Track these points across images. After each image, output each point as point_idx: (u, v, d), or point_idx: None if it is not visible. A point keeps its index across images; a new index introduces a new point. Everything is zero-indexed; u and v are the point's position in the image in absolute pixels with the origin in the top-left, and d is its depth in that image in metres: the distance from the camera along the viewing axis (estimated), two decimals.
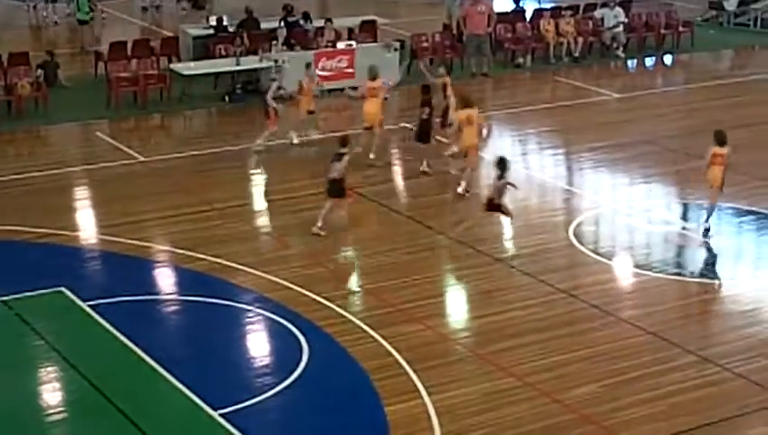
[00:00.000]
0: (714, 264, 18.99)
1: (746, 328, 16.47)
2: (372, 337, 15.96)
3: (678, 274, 18.48)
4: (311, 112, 24.16)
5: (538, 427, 13.84)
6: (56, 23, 36.58)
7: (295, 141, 24.16)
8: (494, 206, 18.98)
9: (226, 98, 27.47)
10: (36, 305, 16.82)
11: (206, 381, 14.67)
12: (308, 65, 24.81)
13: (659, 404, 14.35)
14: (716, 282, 18.29)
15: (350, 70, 28.14)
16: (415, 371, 15.02)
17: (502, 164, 18.86)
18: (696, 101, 28.54)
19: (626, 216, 20.77)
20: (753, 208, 20.91)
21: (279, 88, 24.10)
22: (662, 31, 33.54)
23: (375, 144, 23.07)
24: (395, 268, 18.31)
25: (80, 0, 32.68)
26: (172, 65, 28.30)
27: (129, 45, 28.78)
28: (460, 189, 21.22)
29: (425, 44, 30.50)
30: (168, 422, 14.05)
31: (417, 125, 22.80)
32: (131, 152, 23.89)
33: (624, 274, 18.67)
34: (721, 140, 19.40)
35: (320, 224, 19.35)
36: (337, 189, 19.32)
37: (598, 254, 18.99)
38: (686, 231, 20.08)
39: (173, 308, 17.25)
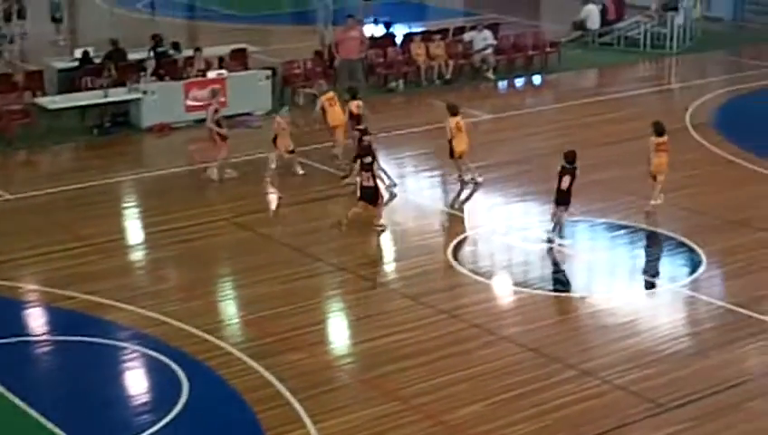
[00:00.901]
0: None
1: (624, 340, 16.65)
2: (254, 368, 15.72)
3: (556, 290, 18.63)
4: (291, 152, 23.78)
5: None
6: None
7: (212, 177, 23.69)
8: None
9: (95, 131, 26.98)
10: None
11: (81, 424, 14.32)
12: (282, 106, 24.60)
13: (545, 419, 14.41)
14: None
15: (221, 99, 27.85)
16: (299, 400, 14.83)
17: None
18: (565, 119, 28.91)
19: (503, 235, 20.87)
20: (625, 223, 21.19)
21: (216, 111, 23.61)
22: (530, 52, 33.97)
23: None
24: (275, 297, 18.11)
25: None
26: (37, 99, 27.68)
27: None
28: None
29: (296, 71, 30.40)
30: None
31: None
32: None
33: (503, 292, 18.74)
34: (659, 130, 21.42)
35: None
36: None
37: (477, 274, 19.04)
38: (563, 247, 20.24)
39: (46, 349, 16.77)
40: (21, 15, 37.42)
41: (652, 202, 21.52)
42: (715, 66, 35.85)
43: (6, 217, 21.96)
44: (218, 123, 23.61)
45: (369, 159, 21.05)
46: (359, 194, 20.98)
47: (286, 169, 23.81)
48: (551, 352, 16.20)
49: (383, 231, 20.81)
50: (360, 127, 22.93)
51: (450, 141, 23.12)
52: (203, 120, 26.69)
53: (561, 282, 19.12)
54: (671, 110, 29.94)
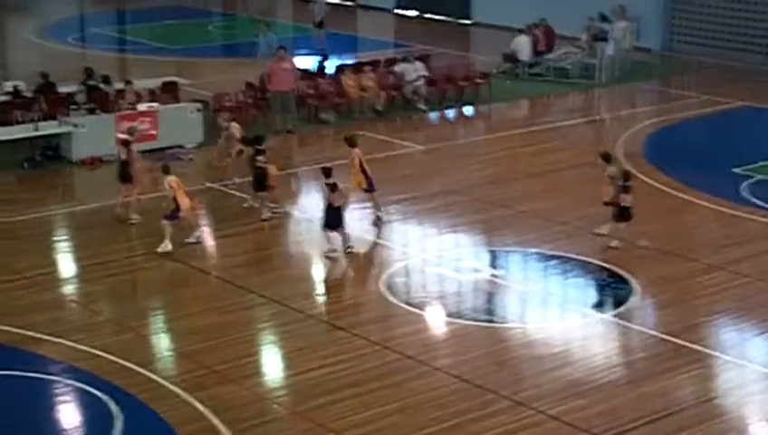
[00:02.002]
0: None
1: (557, 370, 16.76)
2: (187, 401, 15.64)
3: (489, 320, 18.71)
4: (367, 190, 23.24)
5: None
6: None
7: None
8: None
9: (25, 164, 26.72)
10: None
11: None
12: (350, 139, 23.63)
13: None
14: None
15: (152, 132, 27.77)
16: (233, 433, 14.78)
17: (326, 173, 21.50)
18: (497, 150, 29.10)
19: (435, 265, 20.94)
20: (557, 253, 21.36)
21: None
22: (461, 83, 34.17)
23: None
24: (208, 329, 18.03)
25: None
26: None
27: None
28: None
29: (227, 103, 30.33)
30: None
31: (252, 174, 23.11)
32: None
33: (436, 323, 18.80)
34: (608, 159, 22.03)
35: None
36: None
37: (409, 304, 19.08)
38: (495, 278, 20.36)
39: None
40: None
41: (602, 231, 21.74)
42: (645, 96, 36.28)
43: None
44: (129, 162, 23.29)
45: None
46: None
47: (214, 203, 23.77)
48: (484, 383, 16.26)
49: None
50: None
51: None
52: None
53: (493, 312, 19.20)
54: (601, 140, 30.26)
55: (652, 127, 31.27)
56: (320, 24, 41.02)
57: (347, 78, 32.19)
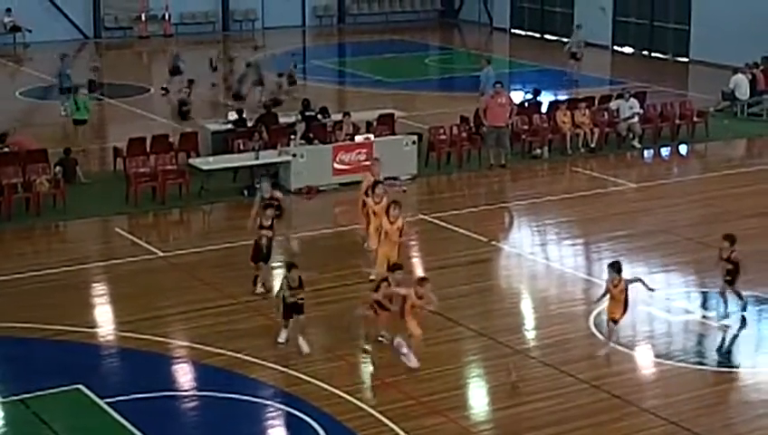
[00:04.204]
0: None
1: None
2: (394, 430, 15.87)
3: (700, 362, 18.40)
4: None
5: None
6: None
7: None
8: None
9: (245, 192, 27.53)
10: (53, 403, 16.78)
11: None
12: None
13: None
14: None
15: (368, 163, 28.26)
16: None
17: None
18: (711, 189, 28.58)
19: (646, 305, 20.69)
20: None
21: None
22: (677, 121, 33.70)
23: None
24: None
25: (77, 99, 32.09)
26: (191, 160, 28.50)
27: (149, 141, 28.96)
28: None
29: (442, 136, 30.67)
30: None
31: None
32: (150, 247, 23.92)
33: (645, 363, 18.58)
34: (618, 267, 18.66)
35: None
36: None
37: (619, 344, 18.90)
38: (706, 320, 20.02)
39: (191, 404, 17.16)
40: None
41: None
42: None
43: (158, 274, 22.55)
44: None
45: None
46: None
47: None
48: (692, 426, 16.01)
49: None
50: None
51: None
52: (349, 184, 27.08)
53: (704, 355, 18.87)
54: None
55: None
56: (574, 56, 41.84)
57: (561, 114, 32.15)
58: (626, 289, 18.43)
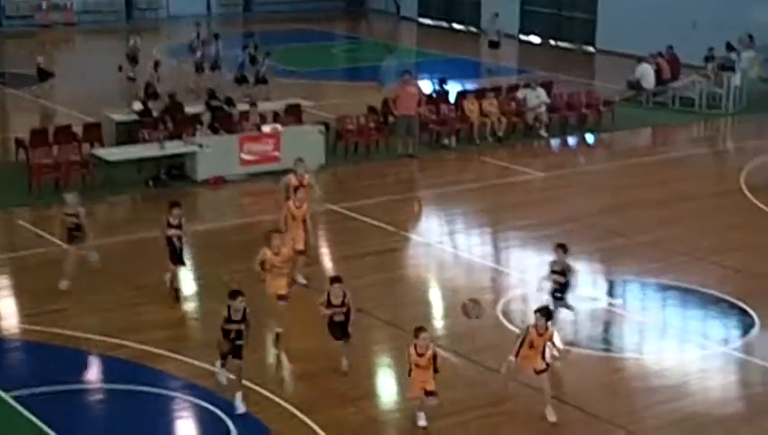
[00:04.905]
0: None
1: (672, 402, 16.66)
2: (304, 421, 15.82)
3: (605, 349, 18.56)
4: None
5: None
6: None
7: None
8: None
9: (150, 183, 27.22)
10: None
11: None
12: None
13: None
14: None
15: (275, 153, 28.13)
16: None
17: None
18: (618, 178, 28.88)
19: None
20: (677, 284, 21.10)
21: None
22: (584, 110, 33.98)
23: None
24: (324, 352, 18.10)
25: None
26: (95, 151, 28.03)
27: (51, 131, 28.46)
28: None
29: (350, 126, 30.56)
30: None
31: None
32: (53, 239, 23.48)
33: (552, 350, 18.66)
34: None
35: None
36: None
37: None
38: (612, 307, 20.20)
39: (96, 397, 16.99)
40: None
41: None
42: None
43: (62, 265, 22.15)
44: None
45: None
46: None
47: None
48: (599, 413, 16.14)
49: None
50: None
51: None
52: (257, 175, 26.92)
53: (609, 342, 19.04)
54: (725, 171, 29.85)
55: None
56: (493, 44, 42.07)
57: (469, 103, 32.23)
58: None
